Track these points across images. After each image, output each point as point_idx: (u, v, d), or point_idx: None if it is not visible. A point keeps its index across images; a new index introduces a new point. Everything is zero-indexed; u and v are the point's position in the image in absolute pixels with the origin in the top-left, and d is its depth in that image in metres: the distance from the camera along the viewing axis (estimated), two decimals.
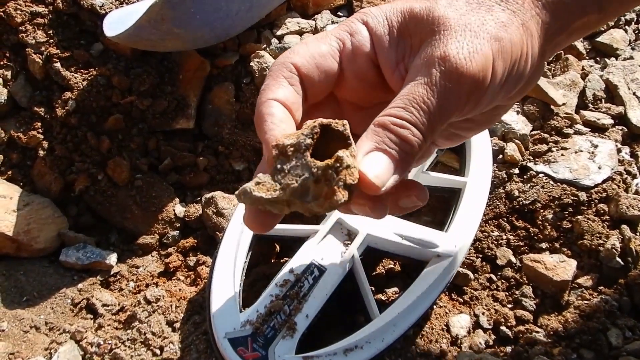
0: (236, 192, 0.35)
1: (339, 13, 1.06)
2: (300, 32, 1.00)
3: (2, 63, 0.94)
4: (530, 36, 0.38)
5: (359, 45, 0.40)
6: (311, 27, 1.01)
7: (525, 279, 0.81)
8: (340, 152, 0.33)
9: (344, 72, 0.41)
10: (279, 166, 0.34)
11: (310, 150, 0.33)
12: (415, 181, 0.41)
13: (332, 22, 1.03)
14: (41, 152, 0.91)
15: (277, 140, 0.34)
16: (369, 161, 0.35)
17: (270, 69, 0.40)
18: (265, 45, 0.96)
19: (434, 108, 0.36)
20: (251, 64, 0.92)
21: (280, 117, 0.37)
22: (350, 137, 0.34)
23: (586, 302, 0.76)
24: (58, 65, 0.91)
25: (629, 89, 1.00)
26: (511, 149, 0.91)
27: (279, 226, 0.77)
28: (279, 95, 0.38)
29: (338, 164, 0.33)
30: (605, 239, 0.80)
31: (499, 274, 0.83)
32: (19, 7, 0.92)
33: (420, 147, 0.36)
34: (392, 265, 0.85)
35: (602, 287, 0.77)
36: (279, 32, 0.99)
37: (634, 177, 0.88)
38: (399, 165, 0.36)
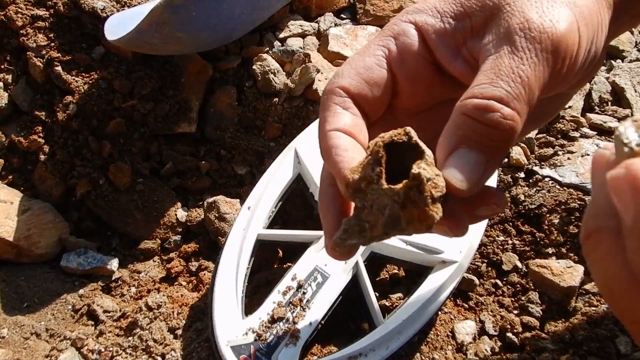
0: (328, 249, 0.33)
1: (342, 15, 1.05)
2: (303, 35, 1.00)
3: (3, 67, 0.93)
4: (602, 7, 0.35)
5: (406, 45, 0.37)
6: (314, 29, 1.01)
7: (531, 284, 0.80)
8: (415, 168, 0.29)
9: (396, 78, 0.37)
10: (359, 204, 0.30)
11: (383, 176, 0.30)
12: (492, 186, 0.34)
13: (335, 25, 1.02)
14: (42, 157, 0.91)
15: (346, 180, 0.31)
16: (454, 163, 0.30)
17: (321, 101, 0.37)
18: (267, 48, 0.96)
19: (526, 75, 0.30)
20: (253, 67, 0.92)
21: (345, 146, 0.34)
22: (420, 143, 0.30)
23: (594, 308, 0.75)
24: (59, 68, 0.90)
25: (636, 91, 0.99)
26: (517, 152, 0.90)
27: (281, 232, 0.76)
28: (338, 124, 0.35)
29: (417, 182, 0.29)
30: None
31: (505, 279, 0.82)
32: (19, 10, 0.92)
33: (515, 129, 0.30)
34: (396, 271, 0.84)
35: None
36: (281, 35, 0.98)
37: None
38: (491, 158, 0.31)
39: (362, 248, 0.72)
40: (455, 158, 0.30)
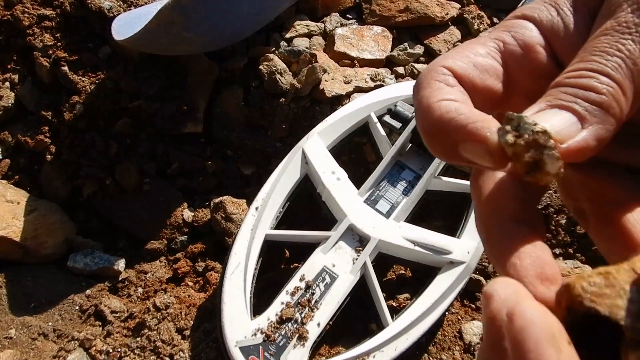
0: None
1: (348, 15, 1.05)
2: (309, 35, 1.00)
3: (9, 67, 0.93)
4: None
5: (527, 38, 0.31)
6: (320, 29, 1.00)
7: None
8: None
9: (510, 71, 0.31)
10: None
11: None
12: None
13: (341, 25, 1.02)
14: (49, 157, 0.91)
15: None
16: (542, 116, 0.25)
17: (418, 81, 0.30)
18: (274, 48, 0.95)
19: (627, 49, 0.26)
20: (260, 67, 0.92)
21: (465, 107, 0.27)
22: None
23: None
24: (66, 68, 0.90)
25: None
26: None
27: (289, 232, 0.76)
28: (445, 96, 0.28)
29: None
30: None
31: None
32: (26, 10, 0.92)
33: (615, 99, 0.25)
34: (402, 271, 0.84)
35: None
36: (287, 35, 0.98)
37: None
38: (587, 121, 0.25)
39: (369, 249, 0.72)
40: (543, 113, 0.26)
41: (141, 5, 0.93)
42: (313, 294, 0.70)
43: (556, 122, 0.24)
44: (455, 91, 0.28)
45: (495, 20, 1.04)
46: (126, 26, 0.82)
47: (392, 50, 0.99)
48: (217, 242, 0.88)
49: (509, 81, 0.31)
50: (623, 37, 0.26)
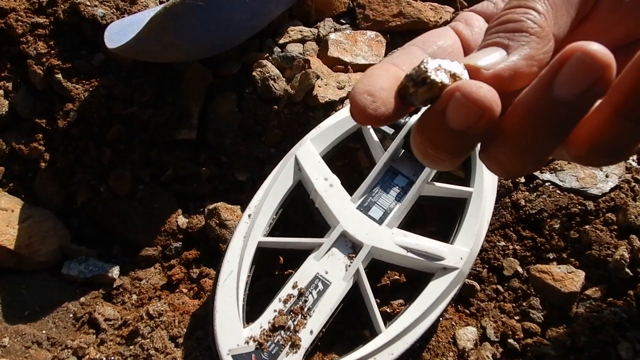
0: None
1: (342, 20, 1.05)
2: (302, 40, 1.00)
3: (3, 74, 0.93)
4: None
5: (474, 24, 0.34)
6: (314, 35, 1.01)
7: (532, 290, 0.80)
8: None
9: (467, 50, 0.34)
10: None
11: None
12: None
13: (335, 30, 1.02)
14: (43, 164, 0.91)
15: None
16: (475, 57, 0.28)
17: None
18: (267, 54, 0.95)
19: None
20: (254, 73, 0.92)
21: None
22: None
23: (595, 314, 0.75)
24: (59, 76, 0.90)
25: None
26: None
27: (282, 239, 0.76)
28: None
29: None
30: (613, 249, 0.78)
31: (506, 285, 0.82)
32: (20, 18, 0.92)
33: (531, 19, 0.28)
34: (397, 277, 0.84)
35: (611, 299, 0.76)
36: (281, 41, 0.98)
37: None
38: (510, 47, 0.28)
39: (362, 256, 0.72)
40: (474, 53, 0.29)
41: (134, 13, 0.93)
42: (306, 301, 0.70)
43: (485, 58, 0.27)
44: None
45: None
46: (119, 34, 0.82)
47: (385, 55, 0.99)
48: (211, 248, 0.88)
49: (466, 51, 0.34)
50: None
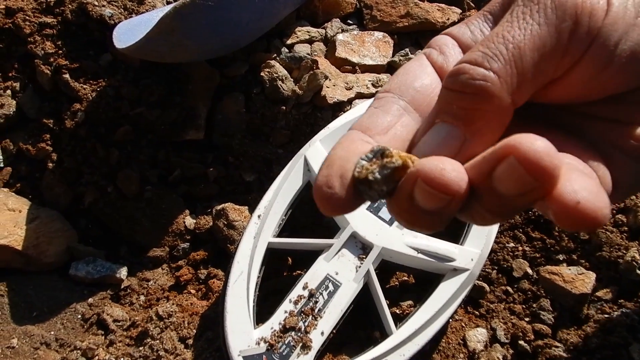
0: None
1: (349, 21, 1.05)
2: (310, 41, 0.99)
3: (10, 74, 0.93)
4: None
5: (446, 50, 0.32)
6: (321, 35, 1.00)
7: (542, 291, 0.80)
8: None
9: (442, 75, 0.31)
10: None
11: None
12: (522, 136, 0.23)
13: (342, 30, 1.02)
14: (50, 165, 0.90)
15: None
16: (424, 139, 0.26)
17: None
18: (275, 55, 0.95)
19: (511, 35, 0.25)
20: (261, 74, 0.91)
21: None
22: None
23: (606, 315, 0.75)
24: (67, 76, 0.90)
25: None
26: None
27: (292, 240, 0.76)
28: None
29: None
30: (624, 251, 0.78)
31: (516, 286, 0.82)
32: (27, 18, 0.92)
33: (487, 90, 0.25)
34: (405, 278, 0.84)
35: (622, 300, 0.76)
36: (288, 41, 0.98)
37: None
38: (468, 129, 0.26)
39: (372, 256, 0.72)
40: (427, 134, 0.27)
41: (142, 13, 0.92)
42: (316, 302, 0.69)
43: (437, 144, 0.26)
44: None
45: None
46: (127, 34, 0.82)
47: (393, 56, 0.99)
48: (219, 249, 0.88)
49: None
50: (512, 29, 0.26)
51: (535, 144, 0.21)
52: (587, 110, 0.29)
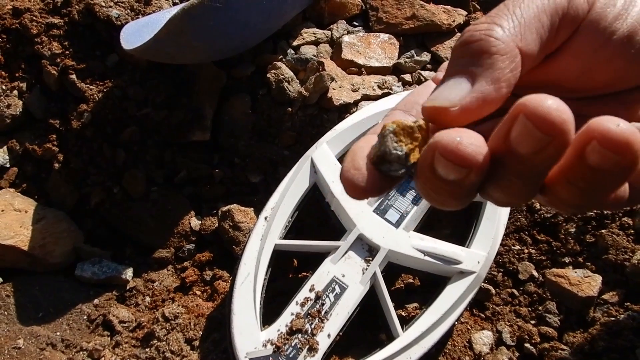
0: None
1: (354, 22, 1.05)
2: (316, 42, 0.99)
3: (17, 75, 0.93)
4: None
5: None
6: (327, 37, 1.00)
7: (548, 294, 0.79)
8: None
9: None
10: None
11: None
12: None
13: (348, 32, 1.02)
14: (56, 165, 0.91)
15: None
16: (434, 93, 0.27)
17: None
18: (281, 56, 0.95)
19: (513, 3, 0.28)
20: (268, 75, 0.91)
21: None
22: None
23: (613, 318, 0.75)
24: (73, 76, 0.90)
25: None
26: None
27: (299, 242, 0.76)
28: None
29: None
30: (630, 254, 0.78)
31: (521, 288, 0.82)
32: (34, 18, 0.92)
33: (494, 37, 0.27)
34: (411, 280, 0.84)
35: (628, 303, 0.76)
36: (295, 43, 0.98)
37: None
38: (473, 77, 0.27)
39: (379, 259, 0.72)
40: (437, 89, 0.28)
41: (149, 14, 0.92)
42: (323, 304, 0.69)
43: (449, 93, 0.26)
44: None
45: None
46: (134, 35, 0.82)
47: (399, 58, 0.99)
48: (224, 250, 0.88)
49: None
50: (514, 1, 0.28)
51: (543, 100, 0.22)
52: (587, 111, 0.30)
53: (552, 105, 0.22)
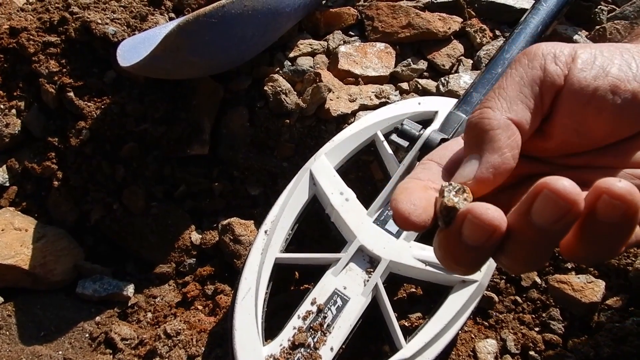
0: None
1: (350, 32, 1.05)
2: (312, 54, 1.00)
3: (15, 94, 0.94)
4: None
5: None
6: (323, 48, 1.01)
7: (552, 300, 0.79)
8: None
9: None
10: None
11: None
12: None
13: (344, 42, 1.02)
14: (56, 183, 0.91)
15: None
16: (459, 172, 0.34)
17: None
18: (278, 68, 0.96)
19: (499, 85, 0.35)
20: (265, 88, 0.92)
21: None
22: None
23: (617, 324, 0.74)
24: (71, 94, 0.91)
25: None
26: None
27: (299, 255, 0.76)
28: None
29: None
30: (633, 258, 0.77)
31: (524, 295, 0.81)
32: (31, 37, 0.92)
33: (484, 119, 0.33)
34: (414, 290, 0.83)
35: (632, 308, 0.75)
36: (291, 54, 0.98)
37: None
38: (482, 153, 0.33)
39: (380, 270, 0.72)
40: (460, 168, 0.34)
41: (145, 30, 0.93)
42: (325, 317, 0.69)
43: (465, 171, 0.33)
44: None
45: (497, 32, 1.04)
46: (131, 51, 0.82)
47: (395, 66, 0.99)
48: (225, 264, 0.88)
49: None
50: (501, 81, 0.35)
51: (561, 182, 0.27)
52: (593, 162, 0.37)
53: (567, 187, 0.27)
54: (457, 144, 0.39)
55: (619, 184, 0.27)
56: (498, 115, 0.33)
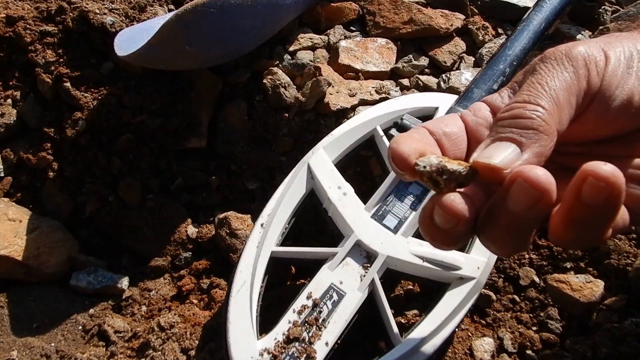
0: None
1: (352, 27, 1.04)
2: (312, 48, 0.99)
3: (11, 83, 0.93)
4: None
5: (479, 111, 0.41)
6: (324, 42, 1.00)
7: (550, 300, 0.78)
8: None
9: (470, 131, 0.40)
10: None
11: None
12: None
13: (345, 37, 1.01)
14: (51, 174, 0.90)
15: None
16: (487, 150, 0.33)
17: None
18: (277, 62, 0.95)
19: (545, 82, 0.34)
20: (264, 81, 0.91)
21: None
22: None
23: (616, 325, 0.73)
24: (68, 85, 0.90)
25: None
26: None
27: (296, 249, 0.75)
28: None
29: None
30: (633, 259, 0.77)
31: (522, 294, 0.81)
32: (28, 26, 0.91)
33: (540, 119, 0.33)
34: (410, 287, 0.83)
35: (631, 309, 0.74)
36: (291, 48, 0.97)
37: None
38: (524, 144, 0.33)
39: (377, 265, 0.71)
40: (490, 148, 0.34)
41: (143, 20, 0.92)
42: (320, 312, 0.68)
43: (500, 154, 0.32)
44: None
45: (500, 30, 1.04)
46: (129, 42, 0.81)
47: (396, 62, 0.99)
48: (221, 258, 0.87)
49: (470, 137, 0.41)
50: (544, 78, 0.35)
51: (534, 171, 0.30)
52: (594, 151, 0.39)
53: (540, 176, 0.29)
54: (453, 118, 0.40)
55: (604, 166, 0.28)
56: (551, 121, 0.33)
